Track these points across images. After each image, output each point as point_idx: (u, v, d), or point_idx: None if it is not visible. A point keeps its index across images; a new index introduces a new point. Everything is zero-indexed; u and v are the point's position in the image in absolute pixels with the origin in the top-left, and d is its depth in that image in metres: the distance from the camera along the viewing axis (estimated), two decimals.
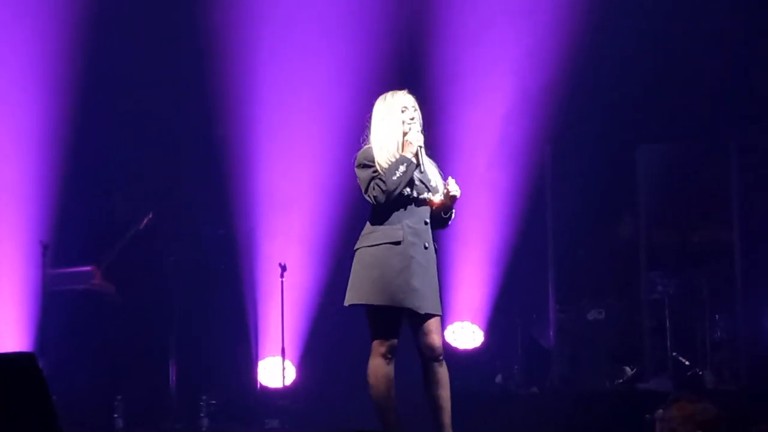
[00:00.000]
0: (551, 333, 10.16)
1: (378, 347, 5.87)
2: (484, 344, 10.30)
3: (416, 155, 5.90)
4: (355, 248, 5.96)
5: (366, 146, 5.99)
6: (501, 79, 10.42)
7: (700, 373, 9.74)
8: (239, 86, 10.45)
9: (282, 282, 9.64)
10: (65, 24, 10.05)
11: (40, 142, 10.00)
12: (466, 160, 10.04)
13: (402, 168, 5.81)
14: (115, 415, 9.38)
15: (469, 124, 10.30)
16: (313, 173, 10.36)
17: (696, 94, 10.28)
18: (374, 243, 5.87)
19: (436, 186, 6.03)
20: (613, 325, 10.02)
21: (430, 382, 5.93)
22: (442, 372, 5.94)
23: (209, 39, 10.36)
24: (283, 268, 9.64)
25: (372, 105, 6.10)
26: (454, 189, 5.95)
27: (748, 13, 10.09)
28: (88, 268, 9.72)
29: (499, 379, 10.20)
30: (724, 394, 9.03)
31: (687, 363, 9.88)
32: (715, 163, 10.42)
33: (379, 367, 5.86)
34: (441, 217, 6.04)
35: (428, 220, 5.97)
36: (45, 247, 9.33)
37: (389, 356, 5.87)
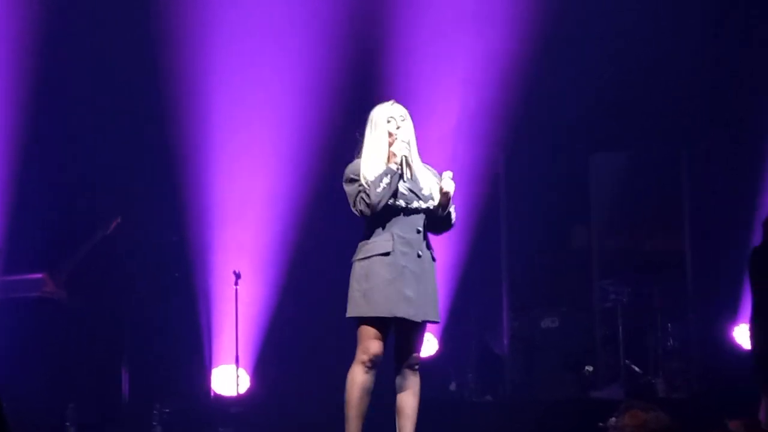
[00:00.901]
0: (505, 341, 10.18)
1: (360, 355, 5.84)
2: (438, 352, 10.31)
3: (401, 165, 5.88)
4: (351, 261, 5.95)
5: (356, 160, 5.96)
6: (454, 87, 10.44)
7: (653, 381, 9.80)
8: (192, 92, 10.41)
9: (236, 290, 9.60)
10: (15, 28, 9.98)
11: None
12: None
13: (386, 180, 5.79)
14: (67, 424, 9.31)
15: (421, 133, 10.29)
16: (267, 180, 10.34)
17: (648, 104, 10.37)
18: (365, 255, 5.85)
19: (430, 193, 5.98)
20: (567, 333, 10.05)
21: (402, 389, 5.93)
22: (416, 381, 5.94)
23: (163, 46, 10.32)
24: (237, 276, 9.60)
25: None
26: (446, 185, 5.91)
27: (701, 24, 10.18)
28: (39, 275, 9.65)
29: (453, 386, 10.21)
30: (676, 402, 9.10)
31: (639, 371, 9.94)
32: (667, 172, 10.52)
33: (356, 374, 5.84)
34: (441, 217, 6.01)
35: (421, 229, 5.93)
36: None
37: (369, 365, 5.84)
